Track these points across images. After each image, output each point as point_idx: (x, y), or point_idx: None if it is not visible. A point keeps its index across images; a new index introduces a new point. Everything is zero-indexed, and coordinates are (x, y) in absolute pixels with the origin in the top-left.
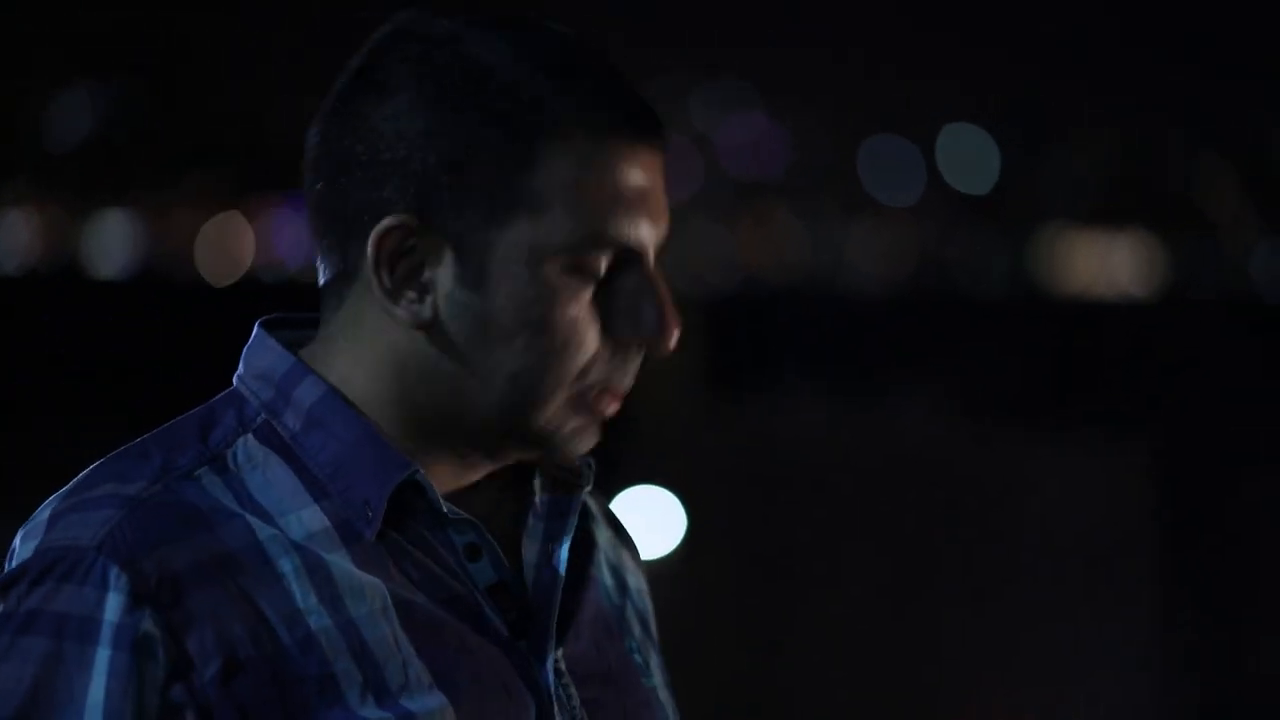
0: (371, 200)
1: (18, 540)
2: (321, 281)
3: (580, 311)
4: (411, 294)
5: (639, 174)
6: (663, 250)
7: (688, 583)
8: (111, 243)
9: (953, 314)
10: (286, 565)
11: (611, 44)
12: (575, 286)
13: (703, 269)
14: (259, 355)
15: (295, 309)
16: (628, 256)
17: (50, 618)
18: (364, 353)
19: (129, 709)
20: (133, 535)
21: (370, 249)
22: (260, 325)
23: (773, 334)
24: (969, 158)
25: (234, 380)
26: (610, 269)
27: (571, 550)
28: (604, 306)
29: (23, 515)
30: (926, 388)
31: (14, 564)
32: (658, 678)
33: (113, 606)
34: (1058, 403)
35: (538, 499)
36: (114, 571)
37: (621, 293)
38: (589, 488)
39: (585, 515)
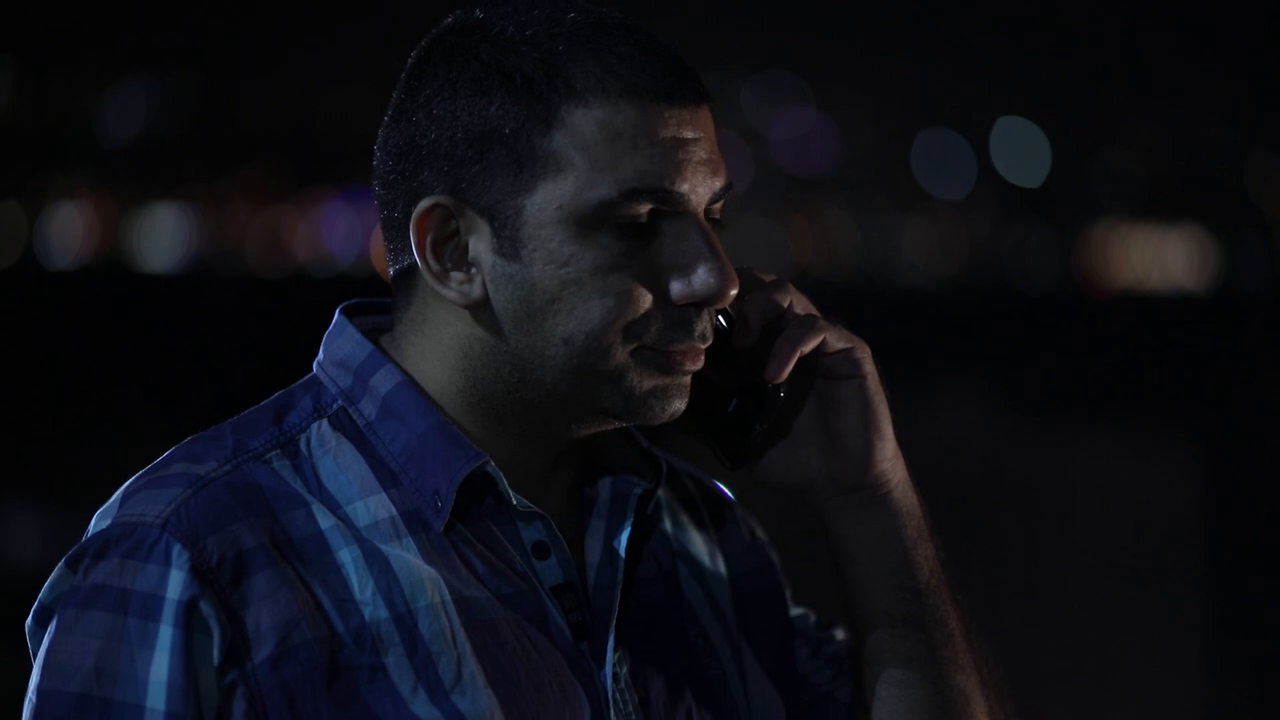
0: (412, 188)
1: (94, 518)
2: (390, 279)
3: (619, 267)
4: (459, 275)
5: (670, 127)
6: (721, 209)
7: None
8: (163, 236)
9: (1004, 308)
10: (345, 556)
11: (660, 37)
12: (610, 243)
13: (754, 263)
14: (339, 342)
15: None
16: (673, 211)
17: (115, 593)
18: (431, 344)
19: (190, 686)
20: (198, 514)
21: (412, 233)
22: (341, 311)
23: None
24: (1021, 151)
25: (314, 366)
26: (655, 225)
27: (643, 545)
28: (654, 265)
29: (75, 501)
30: (978, 382)
31: (85, 538)
32: (728, 664)
33: (175, 584)
34: (1108, 397)
35: (600, 498)
36: (176, 549)
37: (671, 251)
38: (651, 485)
39: (657, 507)
